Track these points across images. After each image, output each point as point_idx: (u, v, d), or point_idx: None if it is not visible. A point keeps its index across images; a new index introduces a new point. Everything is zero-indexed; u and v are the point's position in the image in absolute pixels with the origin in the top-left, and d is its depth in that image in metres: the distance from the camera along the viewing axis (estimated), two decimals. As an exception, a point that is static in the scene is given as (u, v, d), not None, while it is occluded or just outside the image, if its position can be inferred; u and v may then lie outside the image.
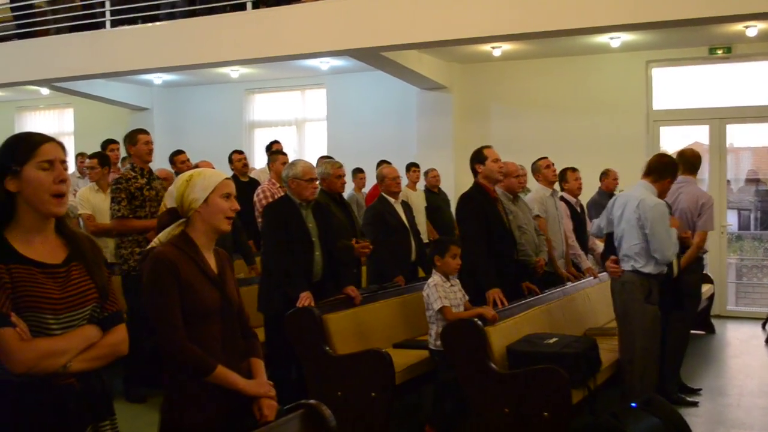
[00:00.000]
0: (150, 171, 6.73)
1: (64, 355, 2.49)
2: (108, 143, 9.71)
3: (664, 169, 5.74)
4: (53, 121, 16.45)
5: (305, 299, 5.55)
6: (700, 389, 6.95)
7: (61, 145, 2.64)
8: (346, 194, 9.74)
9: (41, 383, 2.47)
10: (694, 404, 6.58)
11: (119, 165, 9.79)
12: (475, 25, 9.03)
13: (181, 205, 3.06)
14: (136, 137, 6.65)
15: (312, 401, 3.14)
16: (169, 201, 3.08)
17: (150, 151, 6.69)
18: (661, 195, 5.76)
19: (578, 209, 7.76)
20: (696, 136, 11.61)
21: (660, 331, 5.75)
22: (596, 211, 8.65)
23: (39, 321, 2.48)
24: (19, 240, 2.54)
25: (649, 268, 5.59)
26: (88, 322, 2.61)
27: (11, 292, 2.44)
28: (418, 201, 9.80)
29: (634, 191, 5.79)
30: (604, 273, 7.60)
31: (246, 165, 9.37)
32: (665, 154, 6.04)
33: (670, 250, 5.58)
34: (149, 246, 3.05)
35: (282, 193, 7.11)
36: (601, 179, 9.51)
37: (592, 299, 7.12)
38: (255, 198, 7.41)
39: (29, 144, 2.55)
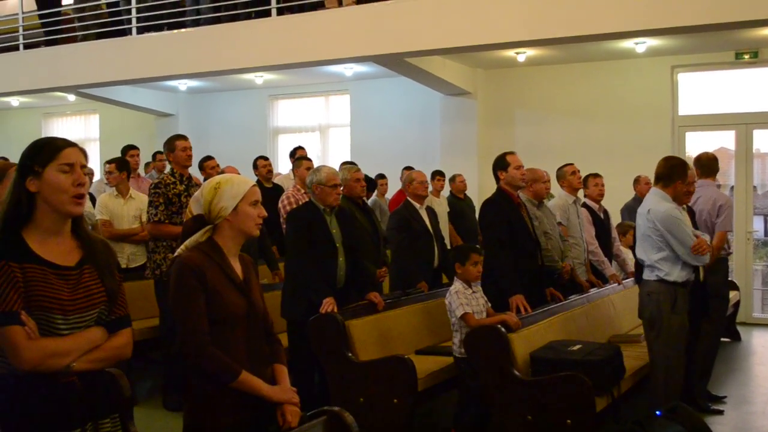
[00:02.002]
0: (189, 177, 6.74)
1: (69, 355, 2.58)
2: (128, 149, 9.79)
3: (671, 172, 5.66)
4: (79, 127, 16.61)
5: (328, 305, 5.56)
6: (725, 397, 6.89)
7: (83, 151, 2.74)
8: (369, 200, 9.77)
9: (45, 379, 2.55)
10: (720, 412, 6.52)
11: (141, 171, 9.86)
12: (500, 30, 9.01)
13: (209, 212, 3.07)
14: (174, 143, 6.69)
15: (335, 407, 3.15)
16: (195, 207, 3.08)
17: (188, 157, 6.71)
18: (678, 198, 5.68)
19: (601, 215, 7.71)
20: (722, 141, 11.53)
21: (685, 340, 5.68)
22: (629, 216, 8.61)
23: (48, 320, 2.56)
24: (36, 240, 2.61)
25: (674, 276, 5.53)
26: (95, 324, 2.68)
27: (23, 290, 2.51)
28: (441, 209, 9.80)
29: (645, 201, 5.76)
30: (629, 279, 7.60)
31: (270, 171, 9.42)
32: (671, 157, 5.94)
33: None
34: (176, 253, 3.07)
35: (306, 200, 7.14)
36: (634, 186, 9.45)
37: (616, 306, 7.08)
38: (280, 204, 7.44)
39: (52, 147, 2.65)
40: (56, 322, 2.57)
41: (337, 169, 6.60)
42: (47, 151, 2.64)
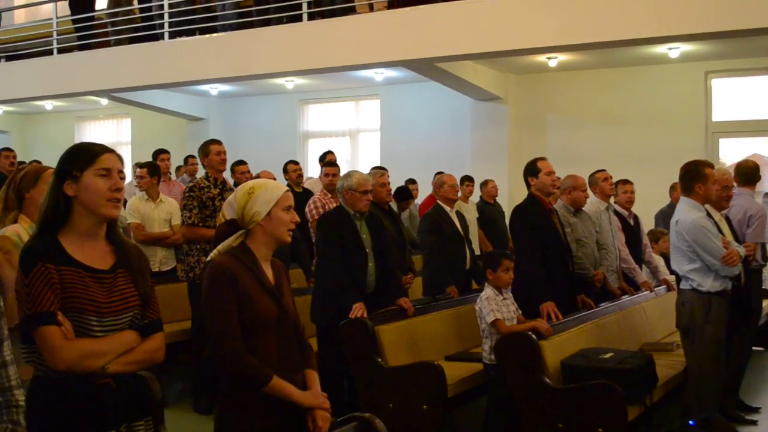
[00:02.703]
0: (223, 181, 6.78)
1: (104, 356, 2.60)
2: (159, 153, 9.86)
3: (689, 178, 5.55)
4: (111, 130, 16.79)
5: (358, 310, 5.54)
6: (760, 408, 6.77)
7: (119, 157, 2.77)
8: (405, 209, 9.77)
9: (80, 381, 2.57)
10: (753, 423, 6.41)
11: (171, 175, 9.92)
12: (531, 35, 8.98)
13: (242, 217, 3.07)
14: (208, 148, 6.74)
15: (366, 414, 3.13)
16: (228, 212, 3.08)
17: (222, 161, 6.75)
18: (712, 201, 5.58)
19: (631, 221, 7.63)
20: (756, 148, 11.39)
21: (722, 350, 5.58)
22: (664, 222, 8.52)
23: (83, 322, 2.59)
24: (72, 243, 2.65)
25: (707, 286, 5.43)
26: (128, 327, 2.70)
27: (60, 292, 2.55)
28: (470, 215, 9.76)
29: (675, 211, 5.67)
30: (661, 287, 7.52)
31: (301, 175, 9.44)
32: (687, 162, 5.75)
33: None
34: (209, 257, 3.08)
35: (333, 204, 7.14)
36: (670, 193, 9.36)
37: (648, 313, 6.99)
38: (306, 209, 7.45)
39: (90, 152, 2.69)
40: (91, 324, 2.60)
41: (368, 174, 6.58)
42: (85, 156, 2.68)
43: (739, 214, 6.54)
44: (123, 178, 2.73)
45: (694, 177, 5.53)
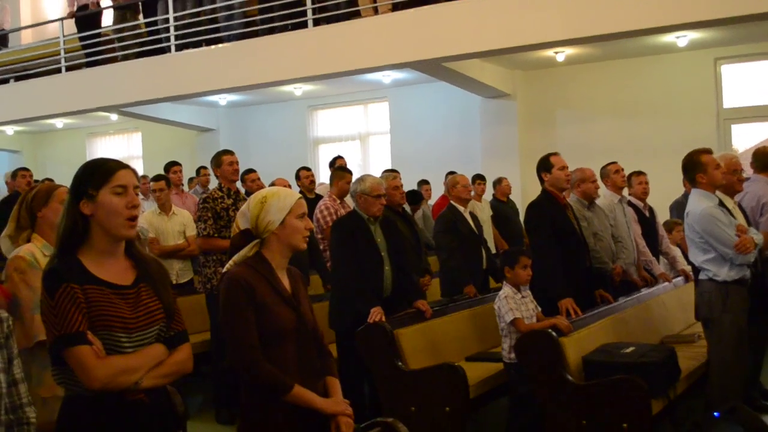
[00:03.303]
0: (237, 191, 6.79)
1: (137, 372, 2.59)
2: (171, 165, 9.88)
3: (688, 170, 5.52)
4: (122, 145, 16.86)
5: (376, 314, 5.53)
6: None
7: (135, 172, 2.77)
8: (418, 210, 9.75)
9: (113, 398, 2.56)
10: (774, 410, 6.34)
11: (183, 186, 9.94)
12: (538, 31, 8.94)
13: (256, 227, 3.06)
14: (221, 158, 6.74)
15: (388, 419, 3.13)
16: (242, 222, 3.07)
17: (235, 171, 6.76)
18: (720, 188, 5.51)
19: (646, 213, 7.58)
20: (768, 133, 11.30)
21: (744, 339, 5.51)
22: (678, 213, 8.44)
23: (112, 340, 2.57)
24: (92, 261, 2.64)
25: (723, 276, 5.36)
26: (155, 340, 2.69)
27: (87, 311, 2.53)
28: (483, 214, 9.74)
29: (687, 203, 5.61)
30: (679, 278, 7.46)
31: (313, 182, 9.43)
32: (687, 153, 5.71)
33: None
34: (225, 268, 3.07)
35: (343, 210, 7.12)
36: (684, 183, 9.29)
37: (667, 306, 6.94)
38: (317, 214, 7.44)
39: (105, 170, 2.67)
40: (120, 340, 2.59)
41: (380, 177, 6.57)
42: (101, 173, 2.66)
43: (753, 201, 6.42)
44: (138, 195, 2.72)
45: (693, 167, 5.49)
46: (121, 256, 2.72)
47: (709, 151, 5.60)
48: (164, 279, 2.81)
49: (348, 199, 7.19)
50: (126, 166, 2.71)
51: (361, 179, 5.97)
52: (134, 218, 2.67)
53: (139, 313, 2.65)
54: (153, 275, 2.75)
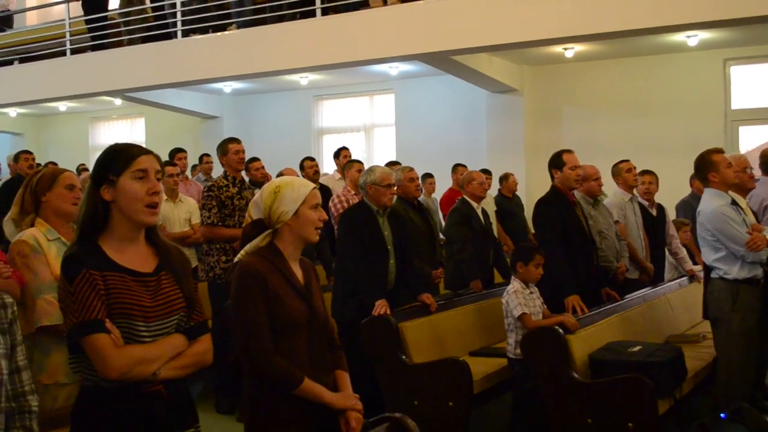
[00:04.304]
0: (242, 180, 6.76)
1: (156, 362, 2.52)
2: (176, 152, 9.84)
3: (701, 169, 5.50)
4: (125, 130, 16.81)
5: (381, 307, 5.49)
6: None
7: (157, 158, 2.68)
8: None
9: (130, 389, 2.49)
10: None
11: (188, 173, 9.89)
12: (547, 26, 8.88)
13: (269, 217, 3.01)
14: (226, 147, 6.72)
15: (397, 414, 3.09)
16: (254, 212, 3.01)
17: (241, 160, 6.74)
18: (732, 187, 5.48)
19: (653, 212, 7.55)
20: (777, 135, 11.25)
21: (754, 339, 5.48)
22: (684, 213, 8.42)
23: (130, 328, 2.51)
24: (112, 248, 2.57)
25: (733, 274, 5.35)
26: (174, 331, 2.63)
27: (106, 298, 2.47)
28: (488, 208, 9.69)
29: (700, 203, 5.59)
30: (684, 278, 7.43)
31: (317, 172, 9.38)
32: (698, 156, 5.70)
33: None
34: (236, 258, 3.02)
35: (357, 200, 7.08)
36: (691, 183, 9.27)
37: (673, 305, 6.91)
38: (330, 204, 7.41)
39: (126, 155, 2.60)
40: (139, 329, 2.52)
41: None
42: (122, 159, 2.59)
43: (756, 204, 6.43)
44: (160, 180, 2.64)
45: (706, 167, 5.48)
46: (142, 243, 2.65)
47: (720, 151, 5.60)
48: (186, 268, 2.74)
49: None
50: (148, 152, 2.65)
51: (371, 170, 5.94)
52: (155, 205, 2.59)
53: (159, 302, 2.58)
54: (174, 264, 2.68)
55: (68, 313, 2.47)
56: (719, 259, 5.37)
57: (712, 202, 5.40)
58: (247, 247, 3.02)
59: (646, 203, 7.51)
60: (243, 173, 8.55)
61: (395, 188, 5.98)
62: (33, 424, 2.55)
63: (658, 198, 7.77)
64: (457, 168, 10.44)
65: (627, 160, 7.31)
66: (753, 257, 5.28)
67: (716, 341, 5.54)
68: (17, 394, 2.53)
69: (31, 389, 2.57)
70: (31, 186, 3.88)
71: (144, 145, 2.73)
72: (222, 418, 6.36)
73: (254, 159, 8.93)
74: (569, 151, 6.13)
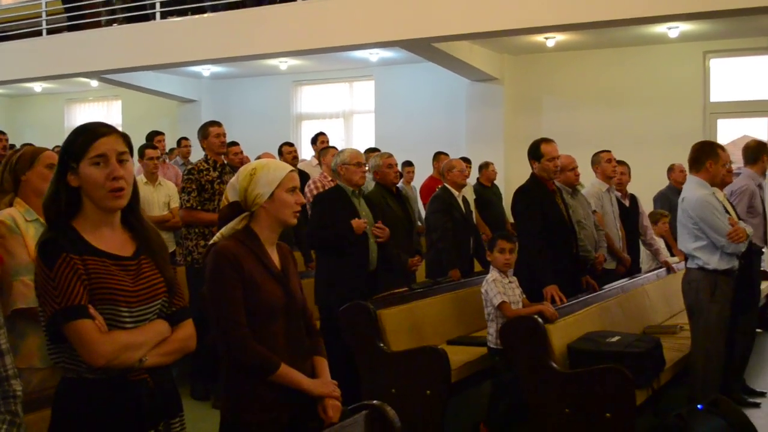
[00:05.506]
0: (223, 164, 6.67)
1: (141, 348, 2.45)
2: (154, 135, 9.73)
3: (699, 155, 5.53)
4: (102, 113, 16.59)
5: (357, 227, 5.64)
6: (766, 393, 6.69)
7: (123, 137, 2.55)
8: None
9: (116, 379, 2.42)
10: (756, 405, 6.35)
11: (164, 157, 9.80)
12: (529, 15, 8.86)
13: (245, 199, 2.95)
14: (207, 130, 6.63)
15: (375, 402, 3.05)
16: (231, 194, 2.95)
17: (222, 144, 6.65)
18: (716, 181, 5.53)
19: (626, 202, 7.56)
20: (754, 129, 11.31)
21: (725, 330, 5.52)
22: (662, 204, 8.45)
23: (113, 313, 2.43)
24: (89, 232, 2.48)
25: (713, 264, 5.39)
26: (156, 316, 2.56)
27: (87, 283, 2.38)
28: (467, 197, 9.68)
29: (683, 189, 5.65)
30: (662, 269, 7.46)
31: (296, 157, 9.33)
32: (700, 141, 5.76)
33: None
34: (212, 241, 2.96)
35: (333, 185, 7.05)
36: (668, 174, 9.28)
37: (650, 296, 6.94)
38: (306, 189, 7.36)
39: (84, 140, 2.47)
40: (122, 315, 2.44)
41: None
42: (80, 144, 2.46)
43: (737, 194, 6.46)
44: (125, 160, 2.54)
45: (708, 153, 5.51)
46: (117, 226, 2.56)
47: (725, 149, 5.67)
48: (164, 252, 2.65)
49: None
50: (110, 132, 2.51)
51: (340, 152, 6.05)
52: (117, 189, 2.46)
53: (141, 286, 2.50)
54: (154, 247, 2.59)
55: (48, 300, 2.37)
56: (699, 248, 5.40)
57: (697, 190, 5.43)
58: (223, 230, 2.95)
59: (618, 194, 7.52)
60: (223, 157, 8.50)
61: (366, 167, 6.00)
62: (18, 408, 2.45)
63: (635, 189, 7.79)
64: (438, 156, 10.39)
65: (608, 150, 7.32)
66: (733, 249, 5.31)
67: (693, 332, 5.56)
68: (1, 379, 2.45)
69: (14, 374, 2.46)
70: (10, 165, 3.79)
71: (121, 129, 2.62)
72: (197, 405, 6.31)
73: (233, 143, 8.85)
74: (548, 141, 6.07)
